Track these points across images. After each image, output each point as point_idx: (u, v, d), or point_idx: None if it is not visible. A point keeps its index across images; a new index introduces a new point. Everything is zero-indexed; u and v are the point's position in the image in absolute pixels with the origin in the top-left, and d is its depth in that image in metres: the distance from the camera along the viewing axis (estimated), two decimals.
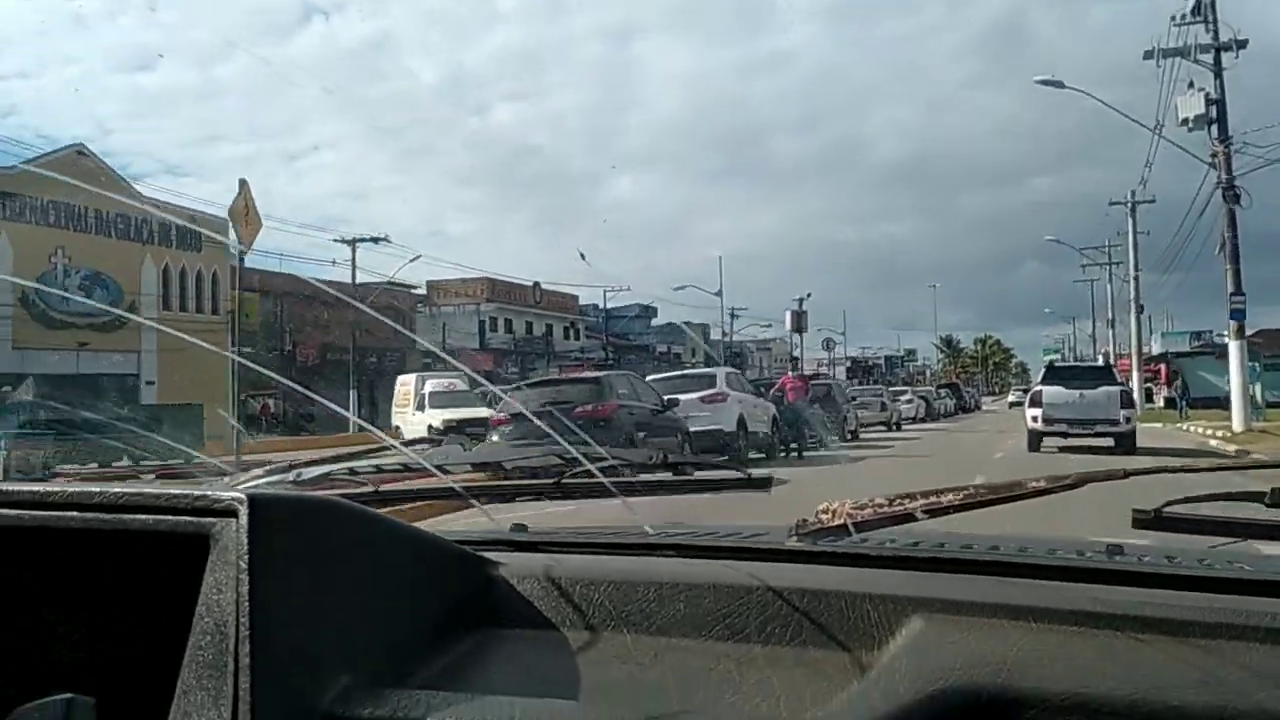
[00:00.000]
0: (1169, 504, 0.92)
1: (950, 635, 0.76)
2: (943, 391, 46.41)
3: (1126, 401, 14.68)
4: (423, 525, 0.99)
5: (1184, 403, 31.53)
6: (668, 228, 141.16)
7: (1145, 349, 54.26)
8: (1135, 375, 34.27)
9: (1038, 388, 15.90)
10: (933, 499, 0.97)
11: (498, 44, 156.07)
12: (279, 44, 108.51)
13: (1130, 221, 33.53)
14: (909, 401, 34.92)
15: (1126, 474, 0.98)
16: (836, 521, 1.00)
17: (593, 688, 0.79)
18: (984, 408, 60.00)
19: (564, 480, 1.23)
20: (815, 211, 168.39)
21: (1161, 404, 44.57)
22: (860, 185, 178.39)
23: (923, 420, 33.90)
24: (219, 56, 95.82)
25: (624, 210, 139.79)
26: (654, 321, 73.35)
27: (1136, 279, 33.62)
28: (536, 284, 52.59)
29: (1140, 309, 33.47)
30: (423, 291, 45.07)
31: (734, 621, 0.85)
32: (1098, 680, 0.71)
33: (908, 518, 0.97)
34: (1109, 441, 14.32)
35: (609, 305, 52.57)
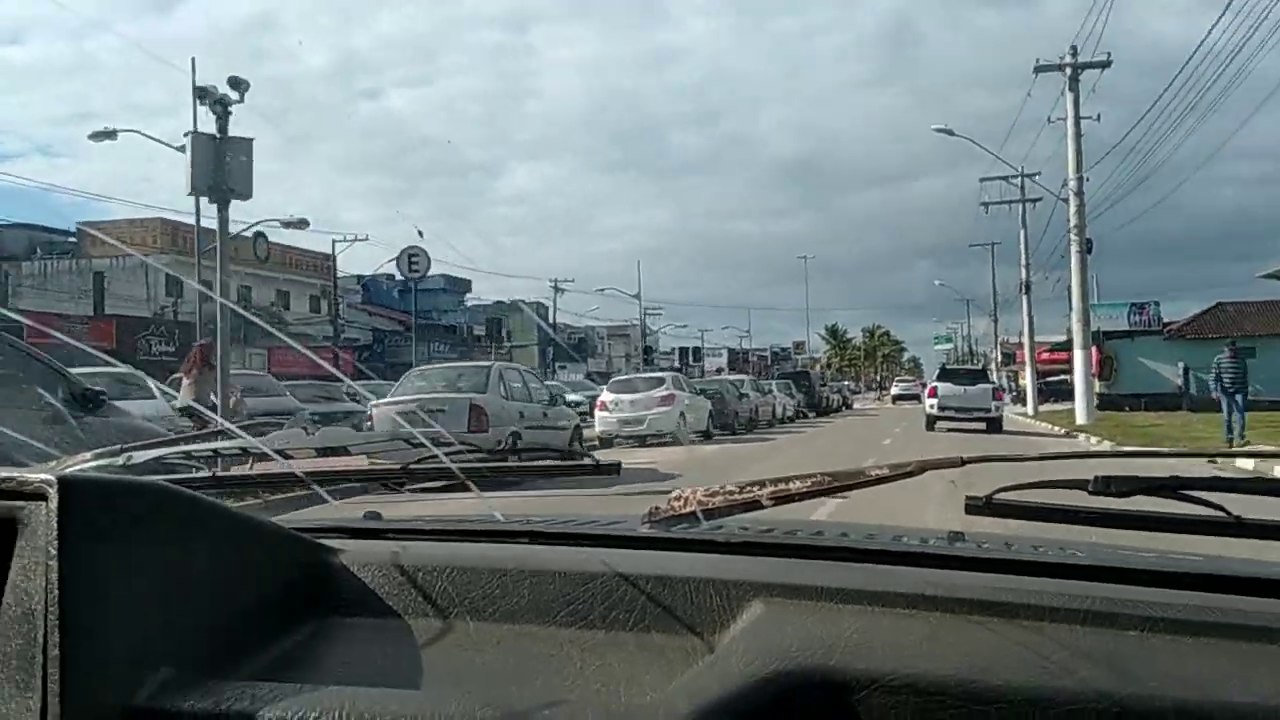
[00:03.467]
0: (999, 490, 1.07)
1: (788, 618, 0.88)
2: (773, 385, 35.84)
3: (995, 395, 24.50)
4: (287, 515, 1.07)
5: (1237, 405, 17.48)
6: (568, 221, 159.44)
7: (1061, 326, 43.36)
8: (1078, 358, 26.61)
9: (934, 384, 25.18)
10: (780, 486, 1.12)
11: (389, 28, 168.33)
12: (158, 19, 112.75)
13: (1070, 99, 21.62)
14: (660, 404, 20.47)
15: (964, 461, 1.13)
16: (688, 509, 1.13)
17: (432, 675, 0.90)
18: (854, 407, 54.82)
19: (411, 466, 1.33)
20: (712, 207, 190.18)
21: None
22: (756, 181, 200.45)
23: (700, 439, 21.61)
24: (91, 30, 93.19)
25: (522, 203, 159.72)
26: (468, 297, 58.27)
27: (1079, 185, 21.79)
28: (260, 235, 42.35)
29: (1088, 246, 21.44)
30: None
31: (579, 608, 0.95)
32: (927, 661, 0.80)
33: (755, 504, 1.12)
34: (983, 425, 23.23)
35: (407, 275, 44.55)
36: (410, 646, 0.93)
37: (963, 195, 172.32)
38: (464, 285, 63.91)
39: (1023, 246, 37.15)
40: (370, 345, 45.48)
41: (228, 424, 1.51)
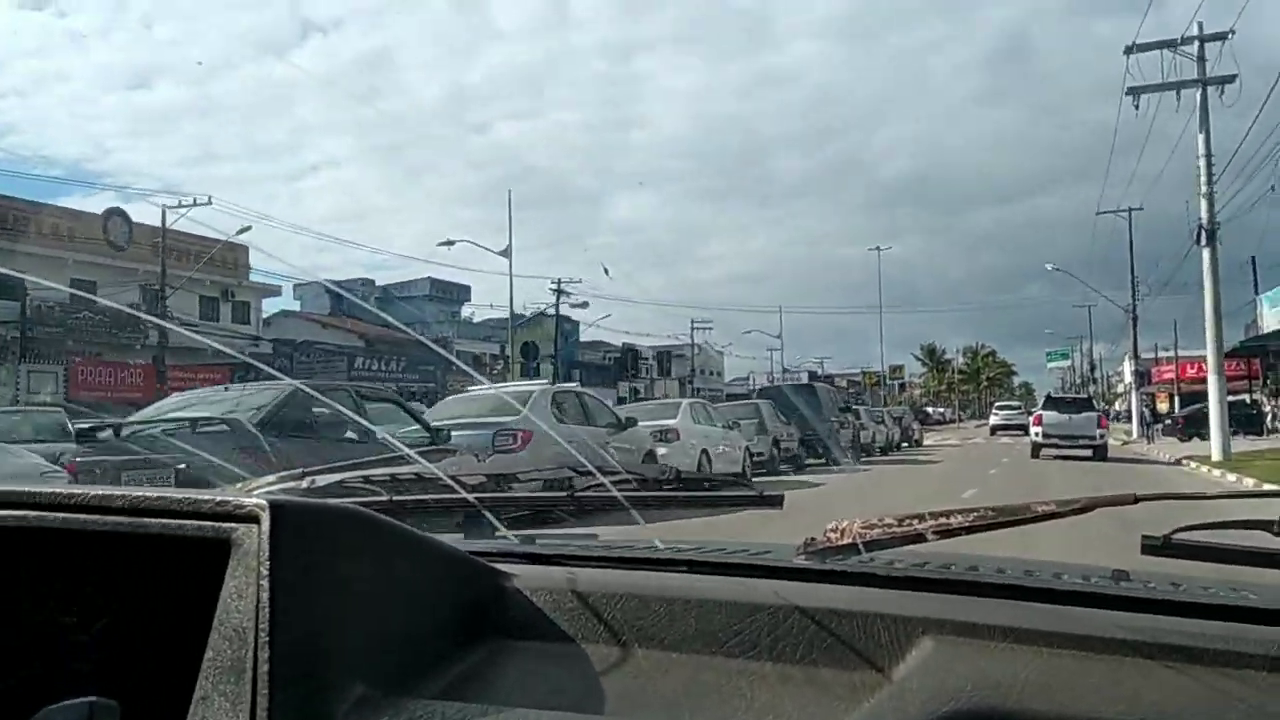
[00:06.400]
0: (1178, 530, 1.09)
1: (961, 657, 0.92)
2: (686, 407, 18.70)
3: (1100, 423, 25.32)
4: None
5: None
6: (671, 248, 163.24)
7: (1258, 318, 26.77)
8: None
9: (1039, 412, 26.75)
10: (941, 520, 1.17)
11: (498, 62, 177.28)
12: (277, 62, 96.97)
13: None
14: None
15: (1136, 499, 1.15)
16: (845, 540, 1.17)
17: (606, 700, 0.97)
18: (924, 443, 41.29)
19: (577, 494, 1.39)
20: (818, 230, 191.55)
21: None
22: (863, 204, 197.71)
23: None
24: (215, 74, 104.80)
25: (626, 231, 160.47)
26: (469, 308, 57.29)
27: None
28: (116, 212, 32.91)
29: None
30: None
31: (745, 638, 1.00)
32: (1107, 705, 0.83)
33: (917, 538, 1.17)
34: (1089, 452, 24.60)
35: (388, 282, 43.83)
36: (584, 670, 1.00)
37: (1077, 211, 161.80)
38: (459, 293, 50.37)
39: (1202, 160, 22.35)
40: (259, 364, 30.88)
41: (405, 449, 1.60)
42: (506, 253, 36.71)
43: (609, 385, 54.30)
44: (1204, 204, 22.31)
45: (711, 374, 67.34)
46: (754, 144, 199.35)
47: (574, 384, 17.93)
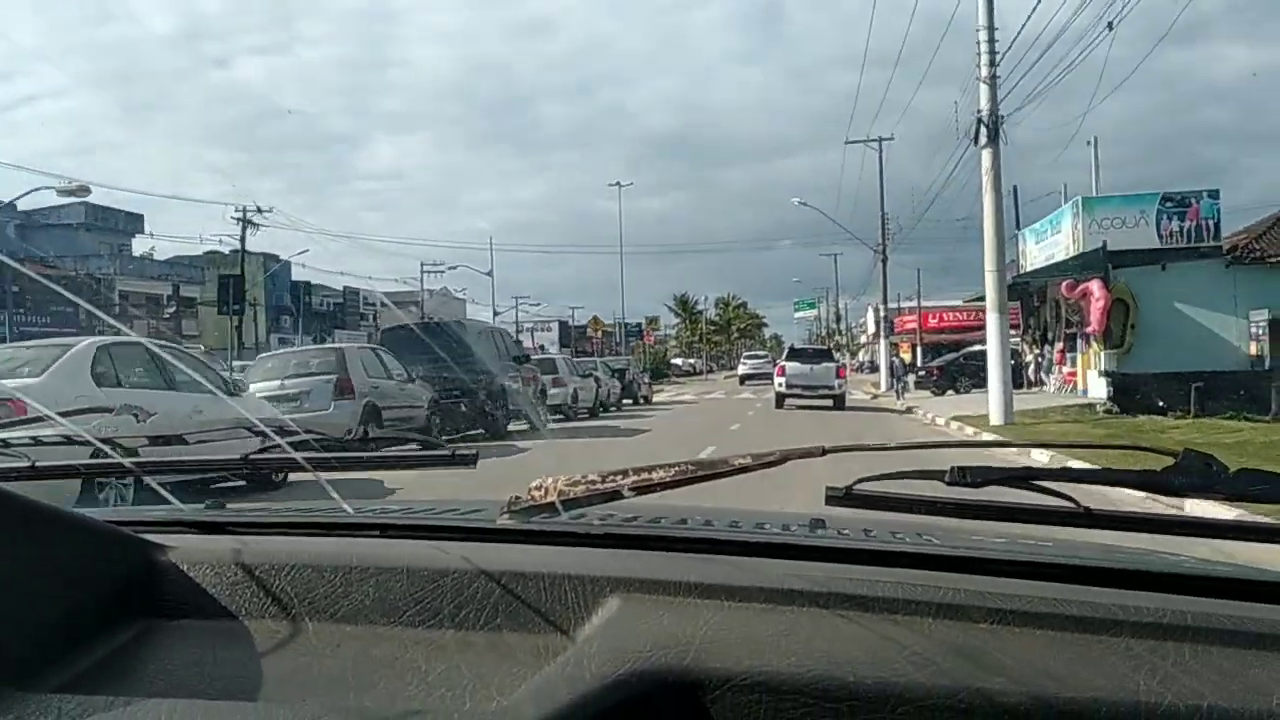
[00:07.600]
0: (859, 481, 1.13)
1: (644, 615, 0.93)
2: None
3: (838, 373, 27.67)
4: None
5: None
6: (440, 194, 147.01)
7: (1019, 257, 22.83)
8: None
9: (783, 363, 29.07)
10: (643, 475, 1.18)
11: None
12: None
13: None
14: None
15: (825, 451, 1.19)
16: (547, 499, 1.17)
17: (266, 683, 0.92)
18: (654, 399, 38.21)
19: (252, 456, 1.29)
20: (582, 181, 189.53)
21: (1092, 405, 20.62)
22: (626, 156, 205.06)
23: None
24: None
25: (391, 176, 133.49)
26: (144, 238, 47.83)
27: None
28: None
29: None
30: None
31: (428, 606, 0.98)
32: (781, 657, 0.85)
33: (616, 495, 1.16)
34: (829, 401, 27.24)
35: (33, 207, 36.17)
36: (244, 651, 0.94)
37: (830, 173, 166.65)
38: (126, 222, 48.67)
39: (982, 32, 19.11)
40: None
41: (46, 410, 1.41)
42: None
43: (326, 332, 47.66)
44: (984, 91, 17.60)
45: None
46: (518, 91, 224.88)
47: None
